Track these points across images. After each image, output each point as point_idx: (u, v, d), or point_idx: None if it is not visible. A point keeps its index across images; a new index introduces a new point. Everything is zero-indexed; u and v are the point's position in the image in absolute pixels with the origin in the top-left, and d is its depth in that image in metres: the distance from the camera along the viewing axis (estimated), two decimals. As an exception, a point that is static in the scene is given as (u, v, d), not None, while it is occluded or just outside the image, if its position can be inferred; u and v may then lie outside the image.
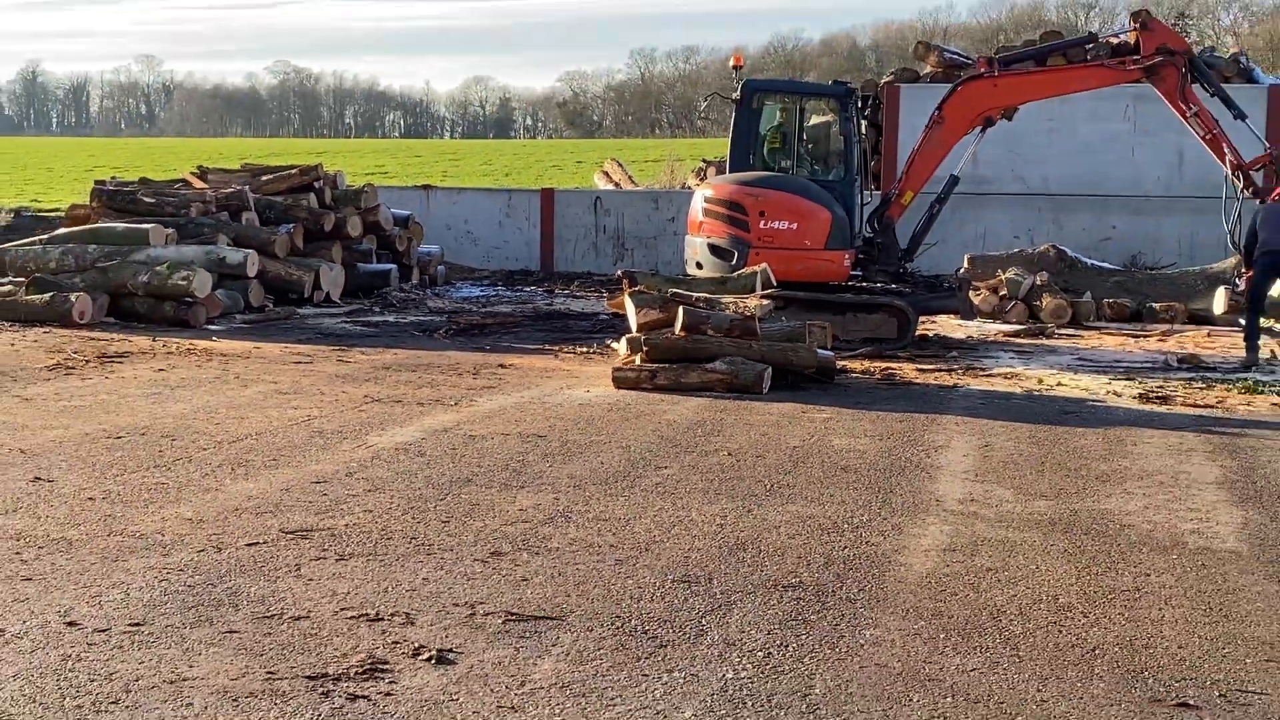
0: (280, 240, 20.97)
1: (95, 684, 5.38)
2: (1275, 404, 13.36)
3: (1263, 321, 16.72)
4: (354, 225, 22.97)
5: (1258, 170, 17.14)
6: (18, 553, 7.32)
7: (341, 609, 6.46)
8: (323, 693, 5.33)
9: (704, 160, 33.24)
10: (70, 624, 6.13)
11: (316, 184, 23.05)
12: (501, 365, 15.38)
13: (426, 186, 31.66)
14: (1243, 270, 16.62)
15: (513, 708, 5.22)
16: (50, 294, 17.99)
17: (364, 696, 5.29)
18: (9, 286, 18.70)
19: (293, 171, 23.64)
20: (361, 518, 8.27)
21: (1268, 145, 18.37)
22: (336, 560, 7.33)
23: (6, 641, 5.87)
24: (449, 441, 10.83)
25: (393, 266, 23.69)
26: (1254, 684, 5.69)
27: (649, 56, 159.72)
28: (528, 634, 6.13)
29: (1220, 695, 5.55)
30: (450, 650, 5.87)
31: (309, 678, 5.49)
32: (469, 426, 11.51)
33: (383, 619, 6.30)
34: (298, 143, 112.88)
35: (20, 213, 30.50)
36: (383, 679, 5.50)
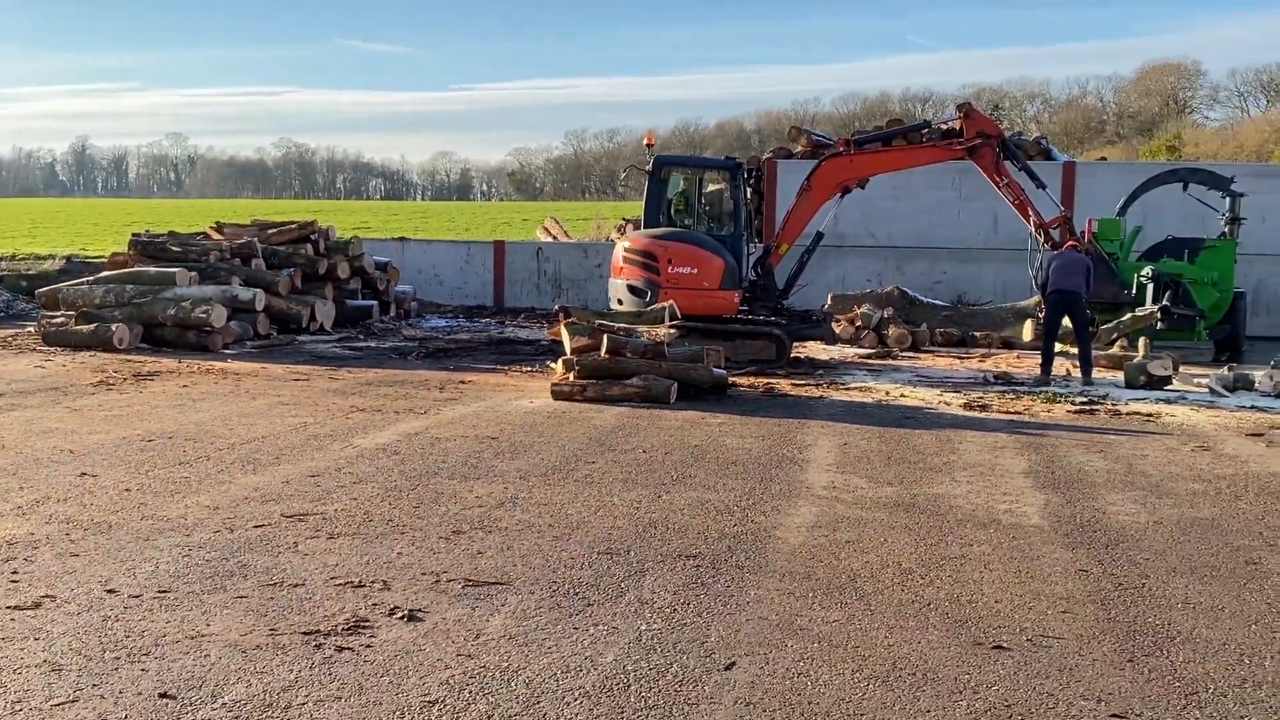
0: (283, 281, 20.82)
1: (130, 639, 5.33)
2: (1069, 411, 13.57)
3: (1058, 346, 17.00)
4: (343, 269, 22.77)
5: (1055, 228, 17.45)
6: (67, 533, 7.20)
7: (331, 578, 6.41)
8: (315, 645, 5.31)
9: (624, 219, 33.23)
10: (110, 591, 6.06)
11: (313, 236, 22.78)
12: (462, 381, 15.29)
13: (402, 239, 31.37)
14: (1042, 306, 16.89)
15: (469, 655, 5.22)
16: (95, 324, 17.75)
17: (349, 648, 5.27)
18: (61, 319, 18.43)
19: (293, 226, 23.32)
20: (348, 504, 8.20)
21: (1062, 208, 18.74)
22: (327, 538, 7.26)
23: (57, 605, 5.79)
24: (419, 443, 10.73)
25: (374, 303, 23.53)
26: (1053, 630, 5.79)
27: (580, 136, 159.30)
28: (482, 596, 6.12)
29: (1028, 639, 5.63)
30: (419, 610, 5.85)
31: (304, 633, 5.46)
32: (435, 430, 11.42)
33: (364, 585, 6.28)
34: (298, 204, 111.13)
35: (71, 259, 29.87)
36: (364, 633, 5.48)
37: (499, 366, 17.01)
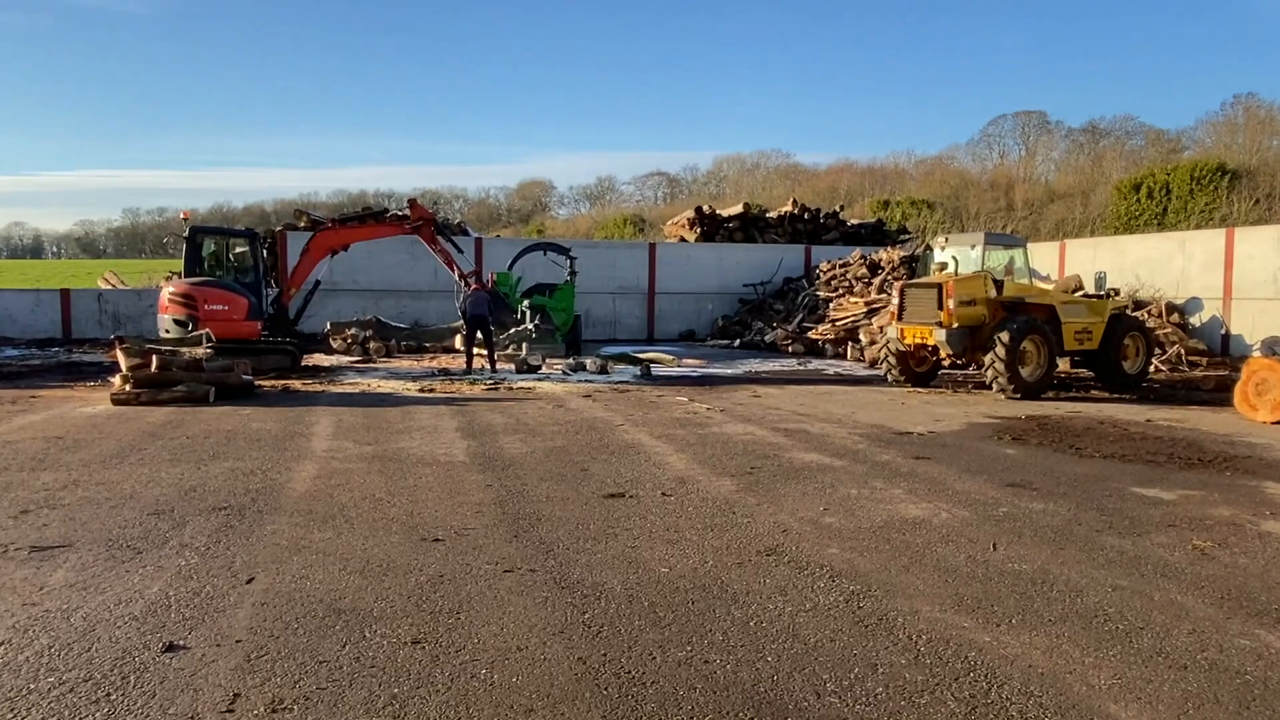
0: None
1: None
2: (484, 388, 13.89)
3: (486, 349, 17.33)
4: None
5: (470, 277, 17.83)
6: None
7: (-98, 561, 5.03)
8: (-117, 617, 4.13)
9: (170, 272, 29.13)
10: None
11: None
12: (33, 396, 12.60)
13: (-25, 288, 25.39)
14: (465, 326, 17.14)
15: (34, 603, 4.35)
16: None
17: (-82, 615, 4.16)
18: None
19: None
20: (-79, 500, 6.47)
21: (472, 267, 19.14)
22: (-101, 530, 5.68)
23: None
24: (-8, 446, 8.71)
25: (-50, 339, 18.80)
26: (470, 525, 5.89)
27: (135, 212, 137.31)
28: (46, 558, 5.10)
29: (455, 532, 5.68)
30: (-13, 575, 4.76)
31: (-128, 609, 4.24)
32: (6, 436, 9.28)
33: (-65, 563, 4.99)
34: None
35: None
36: (-67, 601, 4.36)
37: (66, 383, 14.25)
